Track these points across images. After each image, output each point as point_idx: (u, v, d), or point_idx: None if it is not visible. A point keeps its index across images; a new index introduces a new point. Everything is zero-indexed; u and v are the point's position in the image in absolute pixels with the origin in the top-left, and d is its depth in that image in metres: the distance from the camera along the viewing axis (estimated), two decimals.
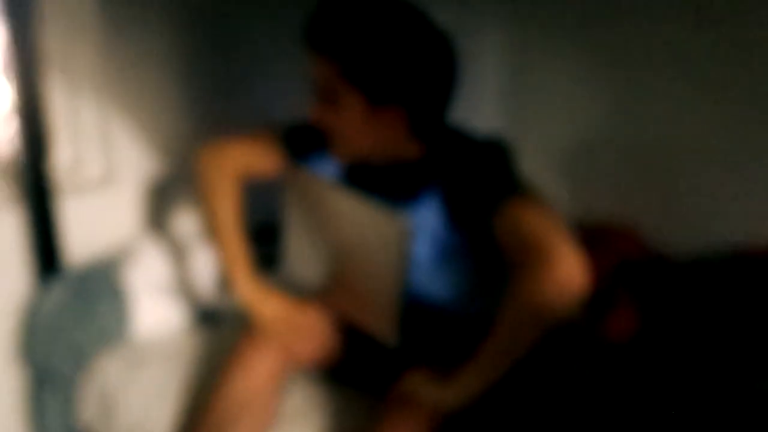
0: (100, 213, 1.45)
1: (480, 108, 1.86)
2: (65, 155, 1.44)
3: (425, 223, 1.06)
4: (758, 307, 1.33)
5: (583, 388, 1.23)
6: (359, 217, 1.09)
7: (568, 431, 1.12)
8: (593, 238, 1.56)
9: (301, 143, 1.18)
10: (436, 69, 1.03)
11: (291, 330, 1.16)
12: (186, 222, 1.53)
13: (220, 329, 1.41)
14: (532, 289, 0.92)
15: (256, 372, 1.11)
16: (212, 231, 1.21)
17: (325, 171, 1.15)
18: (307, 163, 1.17)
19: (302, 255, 1.29)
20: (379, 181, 1.10)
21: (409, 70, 1.01)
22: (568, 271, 0.90)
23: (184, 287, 1.45)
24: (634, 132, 1.67)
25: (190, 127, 1.53)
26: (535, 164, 1.50)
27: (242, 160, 1.22)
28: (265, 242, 1.33)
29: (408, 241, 1.02)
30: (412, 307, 1.09)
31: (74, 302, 1.32)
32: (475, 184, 1.02)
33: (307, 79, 1.07)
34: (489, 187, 1.01)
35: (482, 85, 1.89)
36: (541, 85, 1.83)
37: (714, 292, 1.40)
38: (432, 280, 1.10)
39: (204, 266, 1.46)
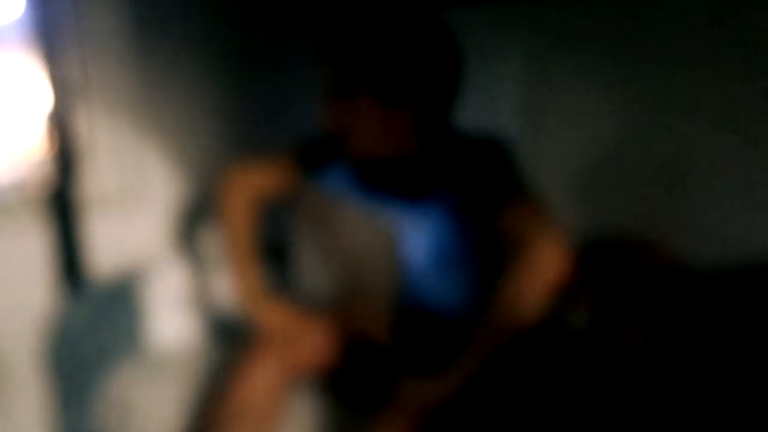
0: (129, 230, 1.51)
1: (496, 120, 1.88)
2: (94, 173, 1.51)
3: (432, 221, 1.09)
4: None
5: (590, 390, 1.22)
6: (355, 228, 1.13)
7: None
8: (614, 249, 1.56)
9: (317, 156, 1.23)
10: (441, 72, 1.08)
11: (291, 339, 1.18)
12: (211, 239, 1.59)
13: (237, 344, 1.44)
14: (514, 283, 0.97)
15: (256, 381, 1.14)
16: (225, 251, 1.27)
17: (340, 178, 1.20)
18: (322, 175, 1.22)
19: (314, 271, 1.33)
20: (389, 181, 1.14)
21: (416, 73, 1.06)
22: (546, 266, 0.94)
23: (205, 303, 1.50)
24: (653, 144, 1.66)
25: (220, 147, 1.60)
26: (552, 177, 1.52)
27: (257, 183, 1.28)
28: (274, 260, 1.37)
29: (397, 247, 1.04)
30: (411, 310, 1.11)
31: (96, 316, 1.39)
32: (482, 180, 1.06)
33: (322, 83, 1.13)
34: (495, 183, 1.05)
35: (498, 99, 1.91)
36: (559, 98, 1.84)
37: (734, 304, 1.37)
38: (433, 282, 1.12)
39: (226, 283, 1.50)
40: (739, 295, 1.38)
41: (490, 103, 1.85)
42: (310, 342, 1.20)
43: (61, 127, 1.37)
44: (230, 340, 1.47)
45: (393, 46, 1.05)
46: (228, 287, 1.50)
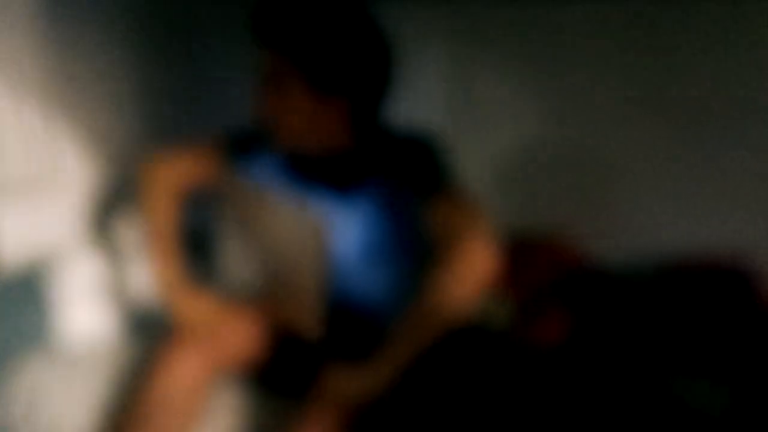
0: (37, 218, 1.43)
1: (420, 116, 1.91)
2: (4, 159, 1.43)
3: (361, 215, 1.09)
4: (684, 320, 1.37)
5: (506, 390, 1.25)
6: (282, 220, 1.11)
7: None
8: (529, 247, 1.61)
9: (244, 145, 1.21)
10: (377, 62, 1.08)
11: (214, 331, 1.16)
12: (127, 229, 1.53)
13: (154, 339, 1.40)
14: (441, 277, 0.97)
15: (178, 376, 1.11)
16: (147, 241, 1.23)
17: (268, 168, 1.18)
18: (249, 164, 1.19)
19: (238, 262, 1.31)
20: (319, 173, 1.13)
21: (352, 61, 1.05)
22: (475, 262, 0.94)
23: (120, 295, 1.45)
24: (571, 144, 1.72)
25: (137, 133, 1.54)
26: (473, 174, 1.55)
27: (182, 172, 1.25)
28: (196, 250, 1.34)
29: (324, 239, 1.04)
30: (341, 306, 1.11)
31: (3, 310, 1.31)
32: (409, 175, 1.07)
33: (255, 70, 1.10)
34: (422, 178, 1.06)
35: (422, 94, 1.93)
36: (481, 96, 1.88)
37: (642, 305, 1.44)
38: (361, 277, 1.12)
39: (142, 274, 1.46)
40: (648, 297, 1.46)
41: (413, 99, 1.86)
42: (235, 335, 1.18)
43: None
44: (147, 334, 1.42)
45: (331, 31, 1.05)
46: (144, 278, 1.46)
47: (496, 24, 1.75)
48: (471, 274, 0.96)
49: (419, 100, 1.94)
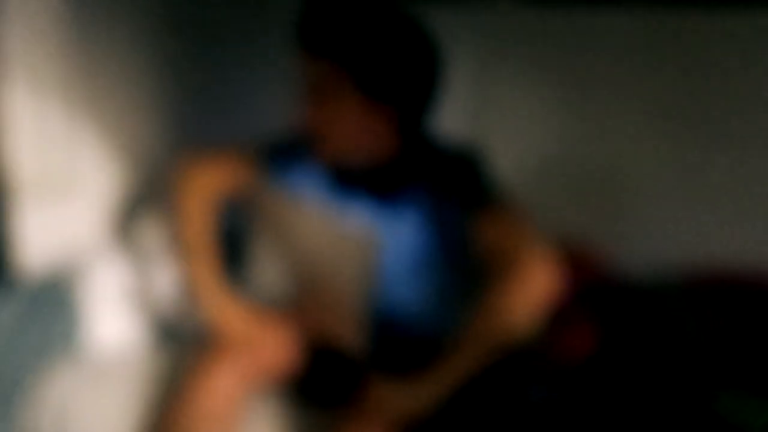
0: (63, 223, 1.40)
1: (444, 122, 1.90)
2: (26, 162, 1.39)
3: (404, 227, 1.08)
4: (708, 335, 1.38)
5: (534, 407, 1.24)
6: (323, 232, 1.10)
7: None
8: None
9: (283, 154, 1.19)
10: (426, 69, 1.07)
11: (254, 343, 1.14)
12: (152, 233, 1.51)
13: (182, 346, 1.37)
14: (503, 296, 0.95)
15: (217, 388, 1.09)
16: (182, 251, 1.20)
17: (308, 177, 1.16)
18: (288, 173, 1.17)
19: (270, 270, 1.29)
20: (363, 183, 1.11)
21: (403, 67, 1.04)
22: (538, 281, 0.93)
23: (146, 301, 1.42)
24: (595, 153, 1.72)
25: (161, 136, 1.51)
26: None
27: (218, 178, 1.22)
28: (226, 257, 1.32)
29: (374, 256, 1.03)
30: (384, 319, 1.09)
31: (28, 317, 1.28)
32: (454, 188, 1.06)
33: (295, 81, 1.07)
34: (467, 192, 1.05)
35: (446, 101, 1.92)
36: (504, 103, 1.87)
37: (672, 317, 1.44)
38: (405, 288, 1.11)
39: (168, 279, 1.44)
40: (678, 310, 1.45)
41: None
42: (273, 345, 1.16)
43: None
44: (177, 340, 1.40)
45: (381, 38, 1.04)
46: (172, 283, 1.43)
47: (522, 31, 1.74)
48: (532, 294, 0.95)
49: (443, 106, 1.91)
